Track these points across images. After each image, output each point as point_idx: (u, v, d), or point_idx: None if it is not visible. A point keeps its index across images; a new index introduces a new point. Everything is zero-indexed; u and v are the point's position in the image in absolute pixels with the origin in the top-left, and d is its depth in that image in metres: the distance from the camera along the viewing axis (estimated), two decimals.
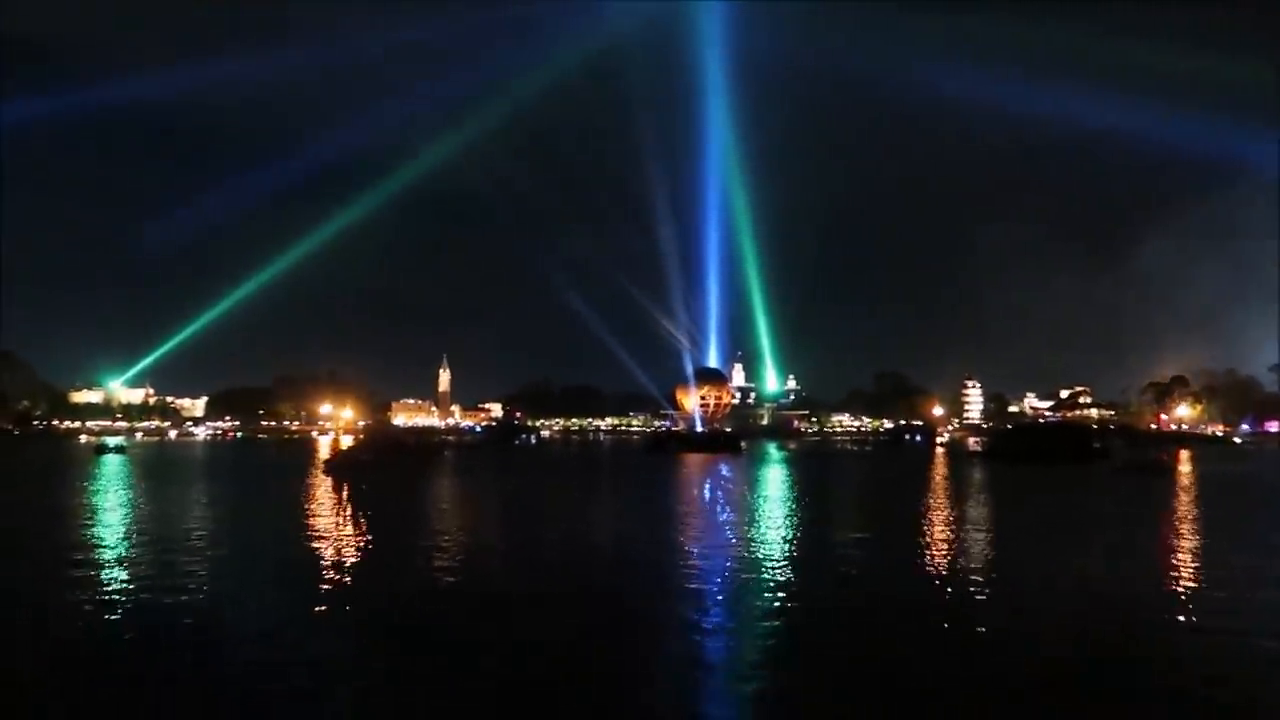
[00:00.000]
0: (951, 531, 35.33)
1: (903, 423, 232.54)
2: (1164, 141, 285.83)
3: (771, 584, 23.64)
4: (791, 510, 43.71)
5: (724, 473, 76.93)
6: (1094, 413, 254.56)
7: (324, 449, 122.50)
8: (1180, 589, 23.23)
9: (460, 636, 18.26)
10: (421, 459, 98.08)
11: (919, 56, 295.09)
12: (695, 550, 29.67)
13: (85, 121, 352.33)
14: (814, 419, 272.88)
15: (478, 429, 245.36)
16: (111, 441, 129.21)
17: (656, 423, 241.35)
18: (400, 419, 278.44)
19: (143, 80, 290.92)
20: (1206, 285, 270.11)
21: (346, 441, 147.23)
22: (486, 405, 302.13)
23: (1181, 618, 20.03)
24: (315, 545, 30.38)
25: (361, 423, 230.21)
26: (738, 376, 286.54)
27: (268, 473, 78.75)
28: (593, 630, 18.71)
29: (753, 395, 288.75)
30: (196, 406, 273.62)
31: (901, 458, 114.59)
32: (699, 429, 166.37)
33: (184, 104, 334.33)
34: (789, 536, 33.44)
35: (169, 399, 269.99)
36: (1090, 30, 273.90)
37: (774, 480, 68.54)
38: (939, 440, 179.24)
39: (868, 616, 20.24)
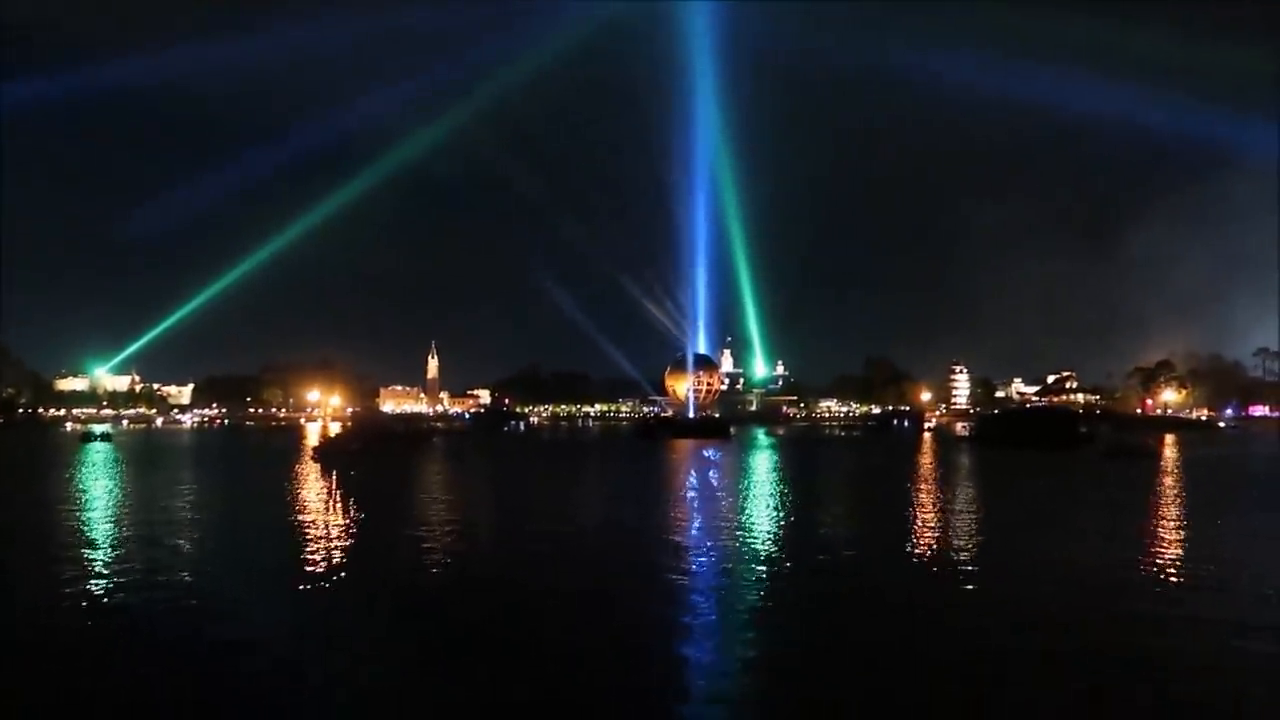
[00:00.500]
0: (938, 519, 35.49)
1: (890, 408, 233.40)
2: (1152, 128, 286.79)
3: (755, 575, 23.65)
4: (778, 497, 43.81)
5: (712, 458, 77.09)
6: (1080, 398, 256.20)
7: (312, 436, 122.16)
8: (1166, 575, 23.40)
9: (446, 628, 18.28)
10: (410, 446, 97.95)
11: (908, 44, 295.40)
12: (681, 540, 29.77)
13: (69, 108, 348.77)
14: (802, 404, 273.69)
15: (466, 415, 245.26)
16: (98, 429, 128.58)
17: (645, 409, 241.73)
18: (389, 405, 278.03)
19: (127, 66, 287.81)
20: (1192, 270, 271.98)
21: (334, 429, 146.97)
22: (475, 391, 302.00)
23: (1169, 606, 20.15)
24: (302, 536, 30.33)
25: (350, 410, 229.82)
26: (726, 362, 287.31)
27: (254, 461, 78.53)
28: (576, 622, 18.76)
29: (741, 381, 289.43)
30: (183, 394, 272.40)
31: (889, 443, 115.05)
32: (688, 415, 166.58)
33: (169, 89, 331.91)
34: (775, 524, 33.50)
35: (155, 386, 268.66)
36: (1081, 16, 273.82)
37: (762, 466, 68.72)
38: (926, 425, 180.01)
39: (850, 608, 20.33)
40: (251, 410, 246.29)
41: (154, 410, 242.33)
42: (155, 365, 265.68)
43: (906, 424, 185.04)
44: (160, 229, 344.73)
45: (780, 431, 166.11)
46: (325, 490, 46.32)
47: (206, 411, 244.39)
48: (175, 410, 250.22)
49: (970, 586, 22.14)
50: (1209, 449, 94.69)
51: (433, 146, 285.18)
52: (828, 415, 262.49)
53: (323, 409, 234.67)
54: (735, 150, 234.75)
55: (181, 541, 28.54)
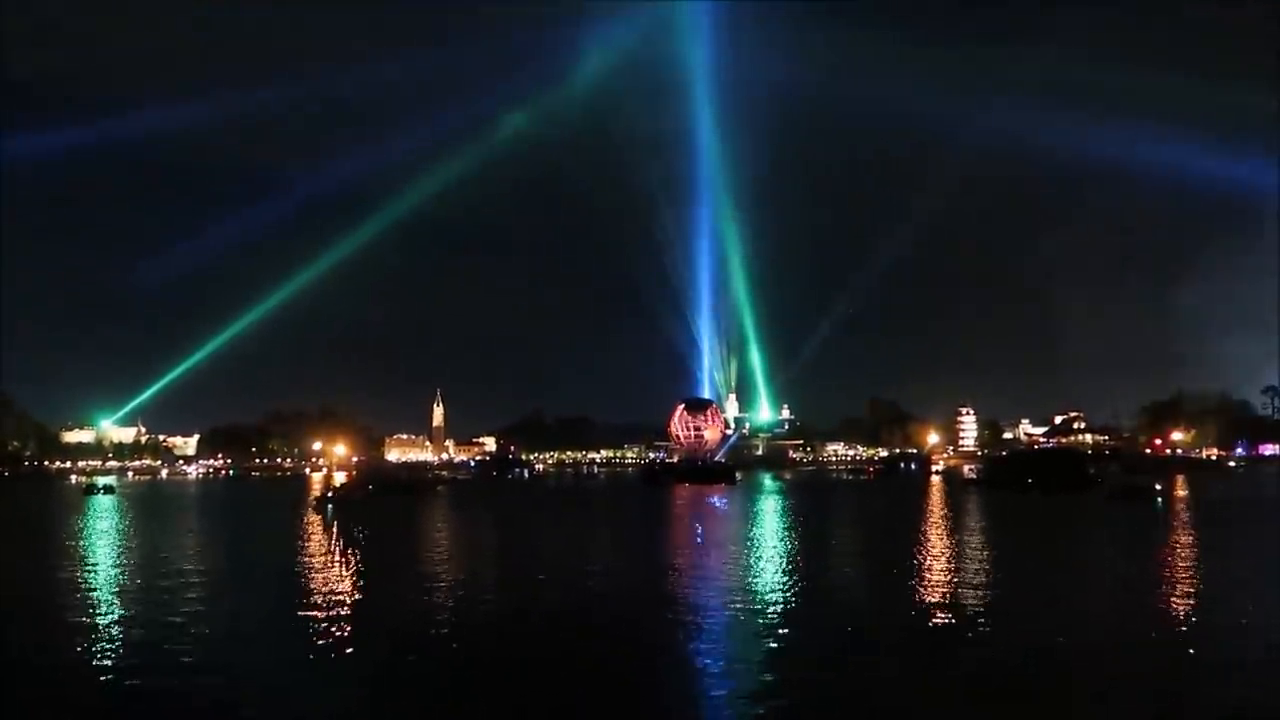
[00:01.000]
0: (948, 571, 34.94)
1: (897, 451, 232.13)
2: (1164, 173, 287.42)
3: (763, 637, 22.50)
4: (785, 548, 43.36)
5: (719, 506, 76.52)
6: (1088, 438, 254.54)
7: (316, 486, 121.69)
8: (1180, 627, 23.01)
9: (445, 692, 17.98)
10: (415, 495, 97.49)
11: (912, 88, 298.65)
12: (690, 597, 29.33)
13: (76, 161, 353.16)
14: (808, 448, 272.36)
15: (472, 463, 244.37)
16: (101, 482, 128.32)
17: (651, 454, 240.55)
18: (394, 454, 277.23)
19: (133, 119, 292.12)
20: (1199, 309, 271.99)
21: (339, 478, 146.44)
22: (480, 439, 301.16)
23: (1181, 657, 19.80)
24: (304, 593, 29.96)
25: (355, 459, 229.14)
26: (731, 407, 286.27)
27: (258, 513, 78.05)
28: (585, 690, 18.45)
29: (747, 425, 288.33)
30: (189, 444, 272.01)
31: (896, 487, 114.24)
32: (693, 460, 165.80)
33: (174, 142, 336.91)
34: (783, 580, 32.92)
35: (161, 437, 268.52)
36: (1091, 61, 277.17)
37: (769, 513, 68.16)
38: (934, 468, 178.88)
39: (860, 664, 19.99)
40: (256, 460, 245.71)
41: (159, 462, 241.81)
42: (160, 416, 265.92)
43: (913, 467, 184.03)
44: (165, 280, 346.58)
45: (786, 476, 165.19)
46: (328, 547, 45.82)
47: (212, 462, 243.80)
48: (180, 461, 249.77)
49: (981, 646, 21.77)
50: (1219, 490, 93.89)
51: (436, 194, 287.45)
52: (834, 459, 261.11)
53: (327, 459, 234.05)
54: (738, 196, 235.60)
55: (182, 607, 27.90)
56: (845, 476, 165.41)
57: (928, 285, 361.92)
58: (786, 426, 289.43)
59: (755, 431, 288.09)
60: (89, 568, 36.75)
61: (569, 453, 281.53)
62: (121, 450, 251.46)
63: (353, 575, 33.45)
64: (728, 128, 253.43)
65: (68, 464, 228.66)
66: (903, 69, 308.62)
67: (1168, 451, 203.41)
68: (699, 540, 48.49)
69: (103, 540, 49.22)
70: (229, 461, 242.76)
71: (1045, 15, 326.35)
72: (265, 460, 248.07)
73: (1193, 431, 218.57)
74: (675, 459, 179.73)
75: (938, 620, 23.96)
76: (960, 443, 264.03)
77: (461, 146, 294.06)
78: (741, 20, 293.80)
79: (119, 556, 41.12)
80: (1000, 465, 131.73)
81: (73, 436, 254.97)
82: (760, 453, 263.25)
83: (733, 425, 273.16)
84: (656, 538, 49.88)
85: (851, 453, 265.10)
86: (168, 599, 27.94)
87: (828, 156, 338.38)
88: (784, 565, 35.62)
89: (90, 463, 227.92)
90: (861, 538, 50.53)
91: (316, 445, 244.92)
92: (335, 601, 27.39)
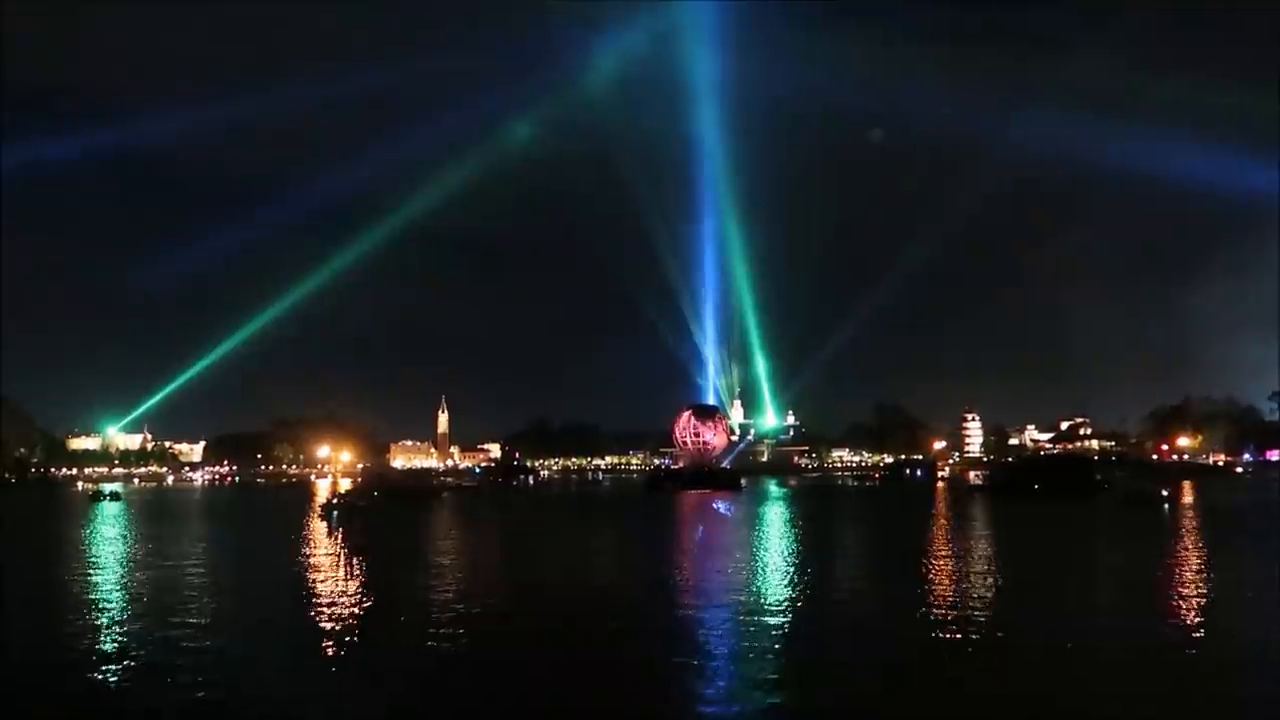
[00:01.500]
0: (952, 580, 34.62)
1: (903, 457, 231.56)
2: (1173, 178, 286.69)
3: (768, 649, 22.18)
4: (790, 557, 43.20)
5: (725, 512, 76.33)
6: (1094, 444, 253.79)
7: (322, 493, 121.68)
8: (1192, 642, 22.80)
9: (448, 700, 17.88)
10: (420, 502, 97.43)
11: (920, 97, 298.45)
12: (696, 607, 29.15)
13: (83, 167, 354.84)
14: (814, 454, 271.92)
15: (476, 470, 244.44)
16: (107, 489, 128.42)
17: (656, 460, 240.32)
18: (399, 461, 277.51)
19: (138, 125, 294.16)
20: (1207, 314, 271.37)
21: (345, 485, 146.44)
22: (485, 446, 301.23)
23: (1194, 676, 19.60)
24: (310, 601, 29.89)
25: (360, 465, 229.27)
26: (737, 413, 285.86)
27: (263, 520, 78.04)
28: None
29: (752, 432, 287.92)
30: (194, 451, 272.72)
31: (903, 494, 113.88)
32: (699, 467, 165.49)
33: (181, 148, 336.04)
34: (788, 589, 32.67)
35: (167, 444, 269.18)
36: (1101, 68, 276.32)
37: (774, 520, 67.96)
38: (940, 475, 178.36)
39: (864, 675, 19.84)
40: (262, 467, 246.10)
41: (165, 468, 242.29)
42: (166, 423, 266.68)
43: (919, 473, 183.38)
44: (171, 287, 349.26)
45: (792, 482, 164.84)
46: (333, 554, 45.80)
47: (218, 469, 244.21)
48: (186, 468, 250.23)
49: (982, 659, 21.60)
50: (1226, 495, 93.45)
51: (441, 200, 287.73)
52: (840, 465, 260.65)
53: (333, 465, 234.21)
54: (743, 202, 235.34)
55: (188, 615, 27.81)
56: (851, 483, 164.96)
57: (935, 290, 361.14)
58: (792, 433, 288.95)
59: (761, 438, 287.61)
60: (95, 575, 36.67)
61: (574, 460, 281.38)
62: (127, 457, 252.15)
63: (358, 583, 33.36)
64: (735, 134, 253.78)
65: (74, 471, 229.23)
66: (911, 77, 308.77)
67: (1174, 457, 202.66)
68: (704, 547, 48.34)
69: (109, 548, 49.20)
70: (235, 468, 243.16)
71: (1057, 25, 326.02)
72: (271, 467, 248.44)
73: (1200, 437, 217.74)
74: (681, 466, 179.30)
75: (946, 634, 23.77)
76: (966, 449, 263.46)
77: (469, 153, 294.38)
78: (748, 27, 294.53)
79: (125, 564, 41.07)
80: (1007, 471, 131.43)
81: (79, 443, 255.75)
82: (766, 459, 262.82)
83: (738, 432, 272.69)
84: (662, 544, 49.70)
85: (857, 459, 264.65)
86: (173, 606, 27.86)
87: (834, 163, 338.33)
88: (790, 574, 35.44)
89: (96, 470, 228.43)
90: (869, 546, 50.33)
91: (322, 452, 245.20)
92: (341, 609, 27.29)
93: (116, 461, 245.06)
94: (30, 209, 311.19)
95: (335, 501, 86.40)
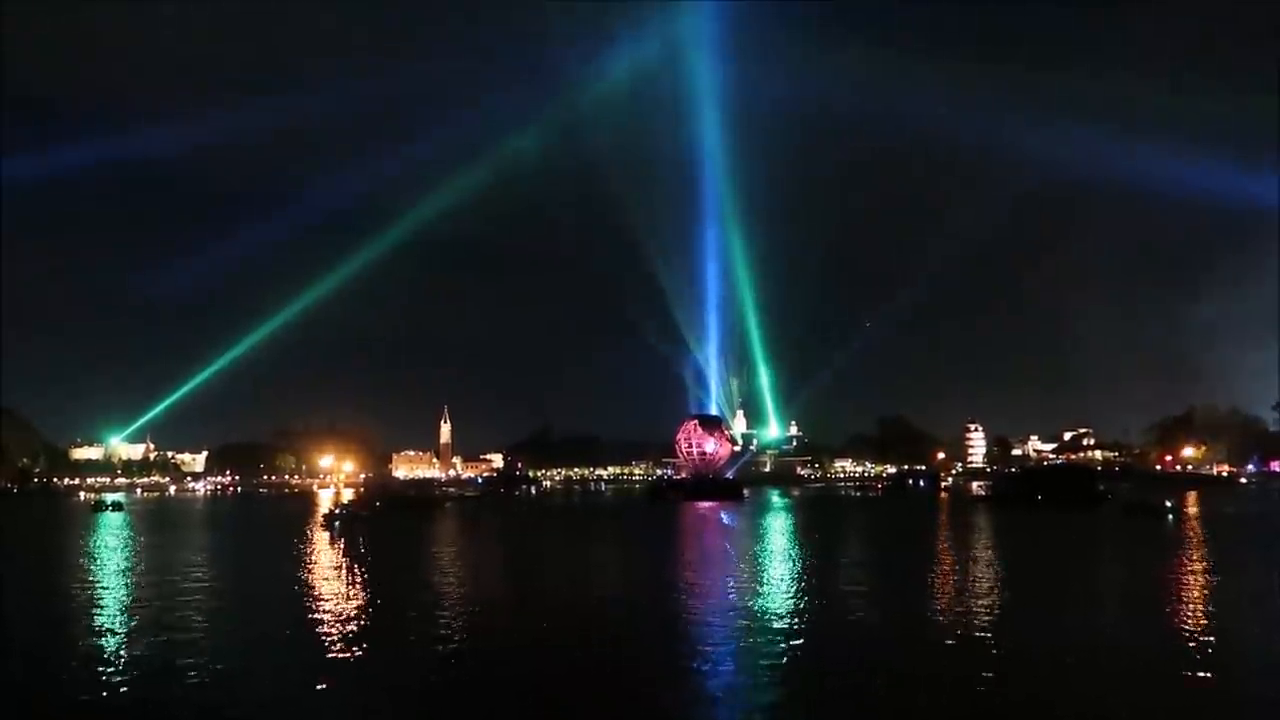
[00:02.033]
0: (955, 591, 34.63)
1: (906, 468, 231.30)
2: (1176, 188, 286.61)
3: (772, 664, 21.93)
4: (793, 567, 43.13)
5: (727, 523, 76.22)
6: (1098, 454, 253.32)
7: (324, 503, 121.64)
8: (1193, 651, 22.74)
9: (450, 711, 17.87)
10: (422, 512, 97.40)
11: (924, 106, 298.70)
12: (699, 616, 29.13)
13: (86, 176, 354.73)
14: (816, 465, 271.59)
15: (479, 480, 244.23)
16: (109, 498, 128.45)
17: (658, 471, 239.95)
18: (401, 471, 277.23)
19: (141, 135, 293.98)
20: (1212, 324, 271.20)
21: (347, 495, 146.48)
22: (488, 456, 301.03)
23: (1196, 685, 19.56)
24: (312, 611, 29.89)
25: (362, 475, 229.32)
26: (739, 423, 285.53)
27: (266, 530, 77.99)
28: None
29: (755, 442, 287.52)
30: (197, 461, 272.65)
31: (906, 504, 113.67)
32: (701, 477, 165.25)
33: (184, 156, 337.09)
34: (791, 600, 32.61)
35: (170, 454, 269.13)
36: (1105, 78, 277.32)
37: (777, 530, 67.86)
38: (943, 485, 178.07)
39: (867, 683, 19.80)
40: (265, 477, 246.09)
41: (168, 478, 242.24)
42: (169, 433, 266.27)
43: (922, 484, 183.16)
44: (174, 297, 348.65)
45: (795, 493, 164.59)
46: (336, 563, 45.80)
47: (220, 479, 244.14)
48: (189, 478, 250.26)
49: (988, 673, 21.56)
50: (1230, 506, 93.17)
51: (444, 209, 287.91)
52: (842, 475, 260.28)
53: (335, 475, 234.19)
54: (745, 211, 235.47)
55: (190, 625, 27.84)
56: (854, 493, 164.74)
57: (937, 300, 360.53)
58: (795, 443, 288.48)
59: (763, 448, 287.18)
60: (97, 585, 36.70)
61: (576, 470, 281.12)
62: (130, 467, 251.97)
63: (361, 593, 33.35)
64: (736, 142, 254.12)
65: (76, 481, 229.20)
66: (915, 87, 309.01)
67: (1178, 468, 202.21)
68: (707, 557, 48.26)
69: (111, 557, 49.21)
70: (237, 478, 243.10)
71: (1060, 35, 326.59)
72: (273, 477, 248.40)
73: (1204, 448, 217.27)
74: (683, 476, 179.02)
75: (948, 642, 23.75)
76: (969, 459, 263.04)
77: (472, 162, 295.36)
78: (750, 35, 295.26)
79: (127, 573, 41.09)
80: (1009, 481, 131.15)
81: (82, 453, 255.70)
82: (769, 469, 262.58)
83: (741, 442, 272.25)
84: (665, 554, 49.64)
85: (860, 470, 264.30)
86: (175, 616, 27.89)
87: (838, 173, 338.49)
88: (793, 584, 35.39)
89: (99, 480, 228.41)
90: (871, 556, 50.24)
91: (324, 462, 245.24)
92: (343, 619, 27.30)
93: (119, 471, 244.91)
94: (30, 216, 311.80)
95: (338, 512, 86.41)
